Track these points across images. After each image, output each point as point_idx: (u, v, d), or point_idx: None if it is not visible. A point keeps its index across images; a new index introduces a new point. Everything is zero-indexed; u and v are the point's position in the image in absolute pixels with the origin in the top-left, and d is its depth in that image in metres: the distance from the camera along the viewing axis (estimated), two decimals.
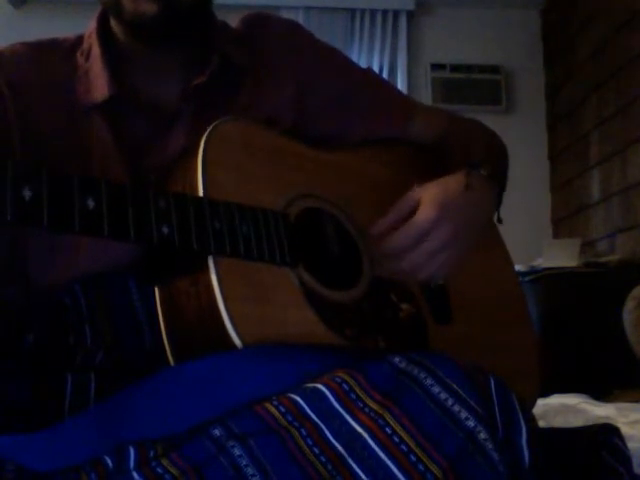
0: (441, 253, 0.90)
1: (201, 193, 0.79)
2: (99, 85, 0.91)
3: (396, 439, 0.62)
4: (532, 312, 1.16)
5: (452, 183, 0.95)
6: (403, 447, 0.61)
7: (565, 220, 3.73)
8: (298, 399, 0.65)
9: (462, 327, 1.00)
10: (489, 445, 0.62)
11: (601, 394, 1.99)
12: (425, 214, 0.89)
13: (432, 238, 0.89)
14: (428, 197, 0.91)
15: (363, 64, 3.67)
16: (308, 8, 3.80)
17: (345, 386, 0.65)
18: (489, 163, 1.01)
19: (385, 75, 3.78)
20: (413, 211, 0.90)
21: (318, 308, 0.83)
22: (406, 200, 0.92)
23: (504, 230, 1.15)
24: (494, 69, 3.90)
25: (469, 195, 0.94)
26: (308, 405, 0.64)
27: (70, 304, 0.88)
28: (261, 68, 0.99)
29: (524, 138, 3.67)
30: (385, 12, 3.86)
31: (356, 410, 0.64)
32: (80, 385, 0.83)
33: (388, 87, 1.15)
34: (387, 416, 0.63)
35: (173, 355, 0.79)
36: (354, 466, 0.61)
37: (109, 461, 0.63)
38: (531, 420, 0.68)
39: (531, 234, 3.46)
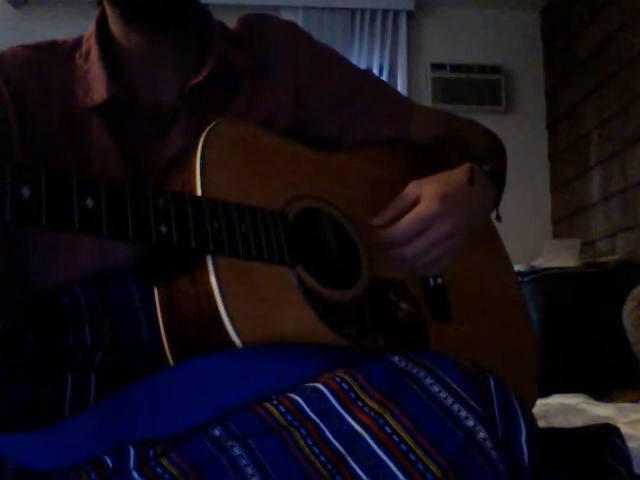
0: (440, 246, 0.90)
1: (199, 194, 0.79)
2: (98, 87, 0.91)
3: (396, 438, 0.62)
4: (532, 312, 1.16)
5: (454, 177, 0.95)
6: (403, 446, 0.61)
7: (565, 220, 3.73)
8: (298, 399, 0.65)
9: (461, 326, 1.00)
10: (488, 444, 0.62)
11: (601, 394, 1.99)
12: (426, 207, 0.89)
13: (433, 230, 0.89)
14: (429, 190, 0.91)
15: (363, 64, 3.67)
16: (308, 8, 3.80)
17: (345, 385, 0.65)
18: (489, 161, 1.01)
19: (385, 75, 3.78)
20: (414, 204, 0.91)
21: (317, 307, 0.83)
22: (407, 193, 0.93)
23: (504, 230, 1.14)
24: (494, 69, 3.91)
25: (471, 190, 0.94)
26: (308, 405, 0.64)
27: (70, 304, 0.88)
28: (259, 69, 0.99)
29: (524, 138, 3.68)
30: (385, 12, 3.86)
31: (356, 409, 0.64)
32: (80, 385, 0.83)
33: (387, 88, 1.15)
34: (387, 415, 0.63)
35: (173, 355, 0.79)
36: (354, 465, 0.61)
37: (109, 461, 0.63)
38: (531, 420, 0.68)
39: (531, 234, 3.47)
